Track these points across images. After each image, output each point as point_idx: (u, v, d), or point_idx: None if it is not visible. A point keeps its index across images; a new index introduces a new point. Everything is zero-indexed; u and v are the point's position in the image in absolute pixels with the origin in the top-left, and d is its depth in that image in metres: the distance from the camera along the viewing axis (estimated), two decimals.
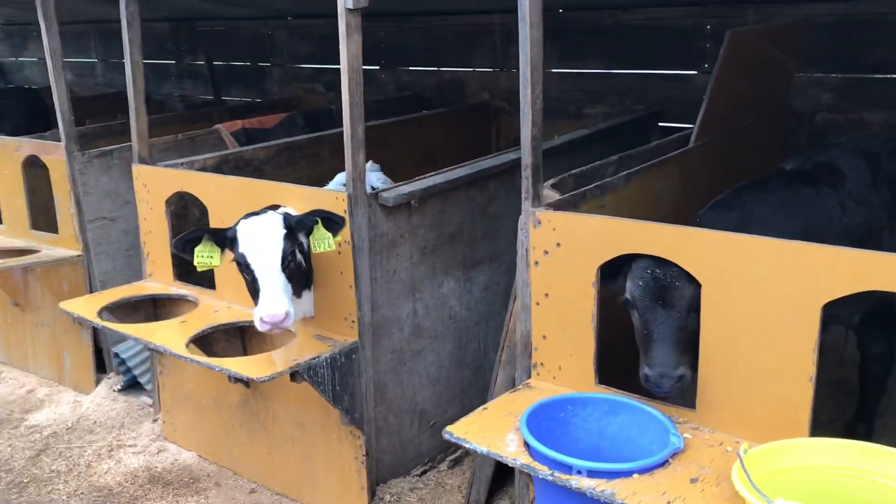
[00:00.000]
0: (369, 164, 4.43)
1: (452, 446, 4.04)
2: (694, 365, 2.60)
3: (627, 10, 5.88)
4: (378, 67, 7.30)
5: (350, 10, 3.10)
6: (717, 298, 2.52)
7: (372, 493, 3.75)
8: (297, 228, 3.25)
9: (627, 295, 2.69)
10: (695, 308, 2.57)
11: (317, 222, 3.22)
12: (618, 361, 2.88)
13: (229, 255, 3.31)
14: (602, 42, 6.05)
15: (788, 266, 2.35)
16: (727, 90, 3.85)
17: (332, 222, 3.23)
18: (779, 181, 3.15)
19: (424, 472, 4.02)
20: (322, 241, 3.21)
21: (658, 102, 5.76)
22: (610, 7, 5.95)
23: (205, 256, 3.32)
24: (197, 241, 3.30)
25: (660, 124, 5.59)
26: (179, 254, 3.38)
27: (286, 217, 3.27)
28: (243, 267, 3.23)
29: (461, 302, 4.07)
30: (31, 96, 7.67)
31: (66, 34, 9.93)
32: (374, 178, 4.34)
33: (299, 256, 3.28)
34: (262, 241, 3.17)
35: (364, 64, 7.65)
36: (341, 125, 5.56)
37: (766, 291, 2.41)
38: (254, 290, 3.21)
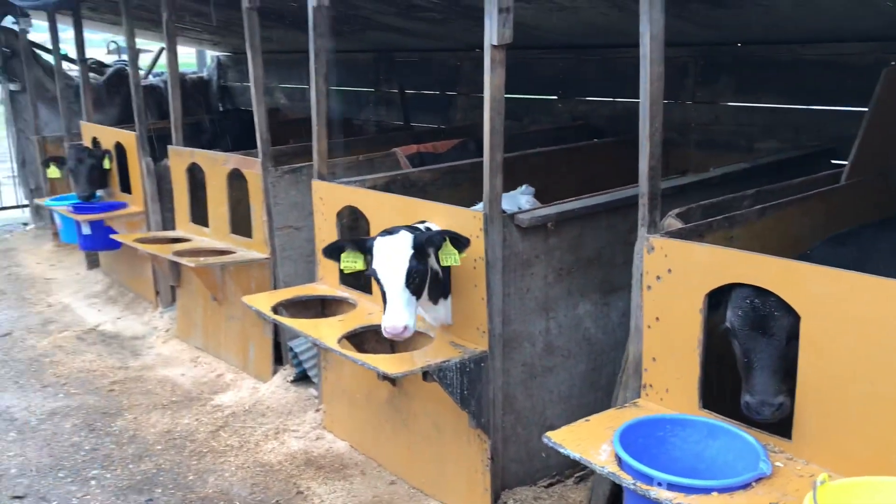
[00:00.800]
0: (524, 187, 4.72)
1: (581, 464, 4.19)
2: (794, 393, 2.65)
3: (806, 45, 5.77)
4: (556, 97, 7.57)
5: (495, 46, 3.39)
6: (817, 332, 2.55)
7: (496, 497, 3.98)
8: (426, 246, 3.57)
9: (728, 324, 2.77)
10: (795, 336, 2.62)
11: (445, 240, 3.55)
12: (725, 387, 2.95)
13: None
14: (778, 76, 5.96)
15: (888, 304, 2.36)
16: (883, 128, 3.77)
17: (458, 241, 3.55)
18: None
19: (551, 485, 4.20)
20: (449, 257, 3.55)
21: (832, 139, 5.60)
22: (788, 42, 5.87)
23: (350, 261, 3.74)
24: (342, 250, 3.74)
25: (832, 161, 5.44)
26: (328, 258, 3.84)
27: (416, 237, 3.57)
28: (375, 279, 3.61)
29: (597, 325, 4.23)
30: (247, 117, 8.62)
31: (282, 62, 11.07)
32: (524, 200, 4.61)
33: (435, 266, 3.63)
34: (391, 260, 3.51)
35: (543, 94, 7.99)
36: (509, 151, 5.91)
37: (866, 328, 2.43)
38: (383, 300, 3.57)
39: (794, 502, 2.41)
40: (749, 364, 2.72)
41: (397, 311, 3.45)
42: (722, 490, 2.47)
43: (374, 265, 3.56)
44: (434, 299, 3.72)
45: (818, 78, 5.72)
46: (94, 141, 7.84)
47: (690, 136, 6.52)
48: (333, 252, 3.75)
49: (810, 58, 5.76)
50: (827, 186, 3.83)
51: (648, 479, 2.52)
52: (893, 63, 5.31)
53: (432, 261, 3.66)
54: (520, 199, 4.62)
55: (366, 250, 3.67)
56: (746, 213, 3.43)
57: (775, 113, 6.04)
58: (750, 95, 6.16)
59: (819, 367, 2.57)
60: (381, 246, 3.56)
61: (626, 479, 2.56)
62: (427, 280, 3.61)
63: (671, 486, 2.48)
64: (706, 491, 2.47)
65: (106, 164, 7.38)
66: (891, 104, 3.68)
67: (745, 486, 2.50)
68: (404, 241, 3.54)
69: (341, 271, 4.62)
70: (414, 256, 3.51)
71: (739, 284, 2.74)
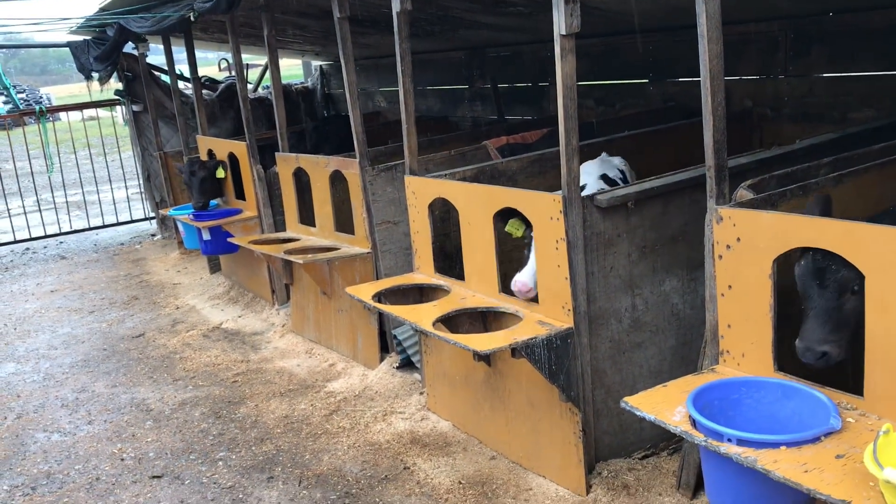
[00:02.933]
0: (603, 155, 4.91)
1: (674, 435, 4.30)
2: (846, 344, 2.74)
3: None
4: (647, 80, 7.61)
5: (563, 35, 3.56)
6: (881, 290, 2.62)
7: (590, 468, 4.15)
8: None
9: (795, 276, 2.88)
10: (851, 291, 2.72)
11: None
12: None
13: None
14: (873, 44, 5.84)
15: None
16: None
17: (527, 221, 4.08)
18: None
19: (645, 457, 4.34)
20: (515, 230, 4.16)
21: None
22: (882, 7, 5.74)
23: (514, 228, 4.29)
24: (512, 215, 4.25)
25: None
26: (499, 220, 4.33)
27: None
28: (528, 245, 4.19)
29: (685, 300, 4.33)
30: (348, 122, 9.03)
31: (382, 66, 11.46)
32: (617, 160, 4.81)
33: None
34: None
35: (632, 78, 8.03)
36: (598, 136, 6.03)
37: None
38: (521, 265, 4.21)
39: (861, 454, 2.49)
40: (804, 311, 2.84)
41: (529, 272, 4.15)
42: (790, 444, 2.57)
43: (532, 234, 4.11)
44: None
45: None
46: (210, 153, 8.41)
47: (784, 110, 6.45)
48: (505, 215, 4.27)
49: None
50: None
51: (719, 436, 2.65)
52: None
53: None
54: (612, 161, 4.83)
55: (528, 224, 4.17)
56: (822, 180, 3.47)
57: (871, 81, 5.92)
58: (843, 65, 6.05)
59: (885, 325, 2.63)
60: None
61: (699, 437, 2.70)
62: None
63: (741, 442, 2.61)
64: (774, 445, 2.58)
65: (220, 173, 7.92)
66: None
67: (814, 440, 2.59)
68: None
69: (436, 260, 4.95)
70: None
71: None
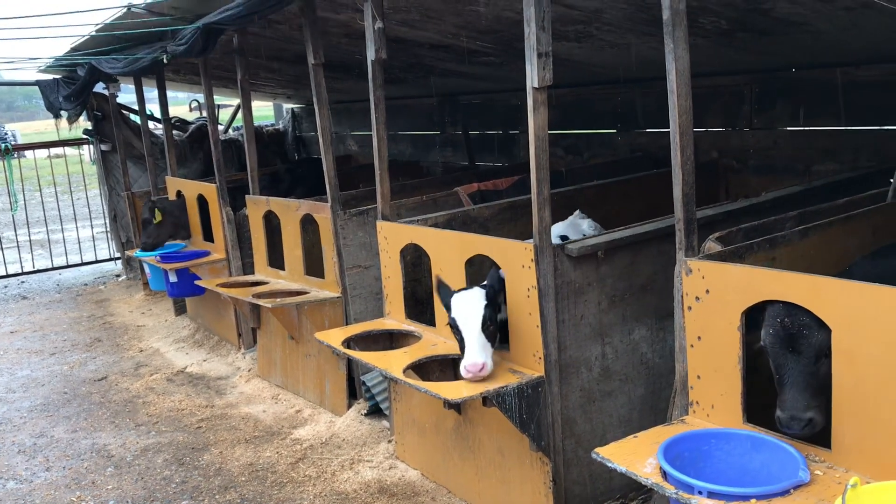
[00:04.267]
0: (577, 212, 4.91)
1: (644, 485, 4.29)
2: (826, 408, 2.74)
3: (861, 66, 5.81)
4: (615, 130, 7.74)
5: (536, 88, 3.61)
6: (848, 344, 2.66)
7: None
8: (497, 296, 3.96)
9: (762, 342, 2.90)
10: (825, 354, 2.73)
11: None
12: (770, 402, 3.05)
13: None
14: (835, 99, 6.00)
15: None
16: None
17: None
18: None
19: None
20: None
21: (893, 159, 5.60)
22: (842, 64, 5.92)
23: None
24: (441, 287, 4.17)
25: (891, 181, 5.43)
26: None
27: (488, 291, 3.93)
28: (454, 329, 3.93)
29: (654, 350, 4.35)
30: (320, 165, 9.05)
31: (354, 111, 11.53)
32: (586, 224, 4.80)
33: (497, 319, 3.96)
34: (467, 311, 3.87)
35: (601, 127, 8.15)
36: (570, 185, 6.09)
37: (892, 336, 2.52)
38: (461, 347, 3.90)
39: None
40: (780, 380, 2.84)
41: (475, 353, 3.81)
42: (760, 497, 2.58)
43: (454, 315, 3.91)
44: (500, 341, 4.07)
45: (876, 98, 5.75)
46: (178, 194, 8.36)
47: (749, 162, 6.59)
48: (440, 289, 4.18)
49: (866, 79, 5.79)
50: (872, 205, 3.90)
51: (690, 489, 2.65)
52: None
53: (503, 312, 4.06)
54: (581, 225, 4.82)
55: (447, 303, 4.03)
56: (788, 234, 3.53)
57: (833, 136, 6.08)
58: (807, 119, 6.21)
59: (852, 378, 2.66)
60: (459, 300, 3.94)
61: (670, 489, 2.69)
62: (497, 327, 3.96)
63: (711, 494, 2.60)
64: (745, 498, 2.58)
65: (156, 217, 7.88)
66: None
67: (784, 492, 2.60)
68: (478, 295, 3.92)
69: (407, 307, 4.93)
70: (487, 306, 3.86)
71: (772, 304, 2.86)
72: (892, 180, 5.44)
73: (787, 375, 2.79)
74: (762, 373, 3.09)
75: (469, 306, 3.88)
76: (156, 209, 7.88)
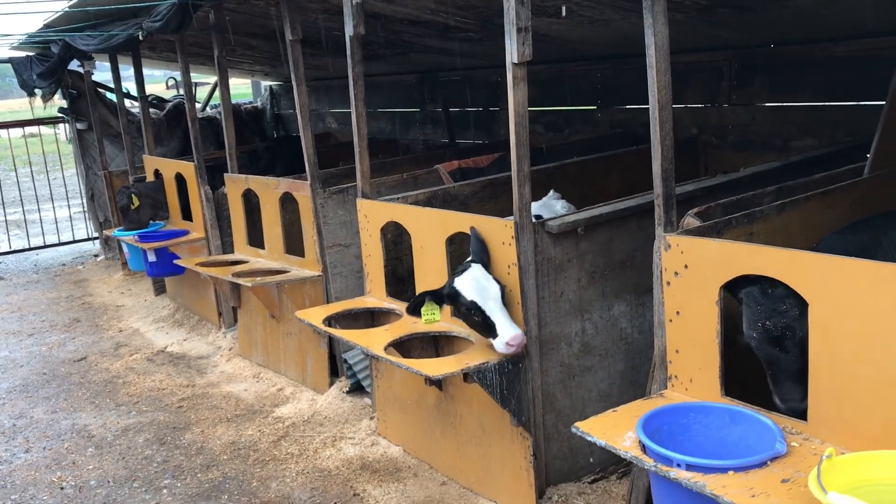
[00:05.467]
0: (551, 192, 4.92)
1: (623, 459, 4.34)
2: None
3: (839, 42, 5.84)
4: (595, 107, 7.74)
5: (516, 63, 3.60)
6: (824, 318, 2.69)
7: (541, 493, 4.16)
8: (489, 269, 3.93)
9: (747, 340, 2.93)
10: None
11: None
12: (748, 374, 3.09)
13: (447, 308, 4.01)
14: (813, 75, 6.03)
15: (886, 286, 2.49)
16: None
17: None
18: None
19: (595, 481, 4.36)
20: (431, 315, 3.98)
21: (869, 134, 5.63)
22: (821, 40, 5.94)
23: (429, 314, 4.00)
24: (421, 304, 3.98)
25: (868, 156, 5.47)
26: (412, 315, 4.03)
27: (484, 264, 3.89)
28: (474, 311, 3.79)
29: (633, 325, 4.38)
30: (298, 143, 8.99)
31: (333, 88, 11.44)
32: (559, 205, 4.80)
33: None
34: (483, 288, 3.79)
35: (581, 104, 8.14)
36: (549, 162, 6.09)
37: (867, 310, 2.56)
38: (485, 326, 3.81)
39: (806, 478, 2.53)
40: (773, 375, 2.90)
41: (509, 324, 3.75)
42: (738, 469, 2.61)
43: (471, 298, 3.77)
44: None
45: (853, 74, 5.77)
46: (156, 173, 8.28)
47: (728, 138, 6.62)
48: (416, 309, 3.97)
49: (844, 54, 5.82)
50: (850, 180, 3.93)
51: (668, 461, 2.68)
52: None
53: None
54: (555, 206, 4.82)
55: (443, 298, 3.92)
56: (766, 209, 3.55)
57: (811, 111, 6.11)
58: (785, 95, 6.24)
59: (828, 351, 2.70)
60: (466, 281, 3.81)
61: (648, 462, 2.72)
62: None
63: (690, 467, 2.64)
64: (723, 470, 2.61)
65: (133, 202, 7.81)
66: None
67: (761, 464, 2.64)
68: (480, 269, 3.85)
69: (388, 285, 4.93)
70: (494, 279, 3.83)
71: (751, 294, 2.89)
72: (867, 155, 5.52)
73: (780, 370, 2.87)
74: (740, 346, 3.12)
75: (480, 283, 3.79)
76: (132, 195, 7.81)
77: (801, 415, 2.88)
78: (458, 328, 4.30)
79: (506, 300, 3.84)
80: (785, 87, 6.22)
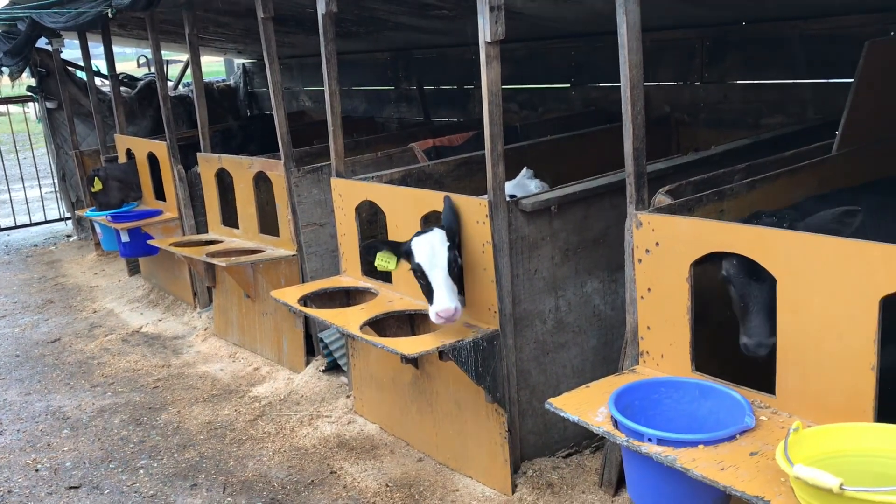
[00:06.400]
0: (524, 170, 4.94)
1: (596, 434, 4.40)
2: None
3: (809, 20, 5.88)
4: (568, 85, 7.75)
5: (489, 42, 3.60)
6: (791, 292, 2.74)
7: (516, 468, 4.21)
8: (456, 237, 3.91)
9: (724, 272, 2.98)
10: None
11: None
12: (717, 350, 3.15)
13: (404, 264, 4.02)
14: (784, 52, 6.08)
15: (849, 262, 2.55)
16: (869, 100, 3.91)
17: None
18: (884, 186, 3.24)
19: (569, 455, 4.42)
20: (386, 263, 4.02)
21: (839, 112, 5.69)
22: (792, 18, 5.98)
23: (383, 261, 4.06)
24: (378, 249, 4.04)
25: (836, 133, 5.54)
26: (366, 256, 4.13)
27: (448, 230, 3.89)
28: (419, 274, 3.87)
29: (606, 301, 4.43)
30: (272, 121, 8.93)
31: (307, 66, 11.35)
32: (533, 185, 4.83)
33: (460, 261, 3.90)
34: (432, 254, 3.81)
35: (554, 82, 8.13)
36: (523, 140, 6.11)
37: (832, 286, 2.61)
38: (428, 292, 3.85)
39: (773, 451, 2.59)
40: (745, 308, 2.94)
41: (445, 296, 3.75)
42: (708, 442, 2.67)
43: (418, 260, 3.83)
44: (460, 290, 4.02)
45: (823, 51, 5.82)
46: (128, 152, 8.20)
47: (700, 116, 6.66)
48: (370, 251, 4.05)
49: (815, 32, 5.85)
50: (818, 158, 3.98)
51: (640, 436, 2.73)
52: (892, 34, 5.44)
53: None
54: (529, 185, 4.84)
55: (400, 253, 3.97)
56: (736, 186, 3.60)
57: (782, 89, 6.15)
58: (757, 73, 6.27)
59: (796, 326, 2.75)
60: (420, 243, 3.86)
61: (620, 437, 2.77)
62: (461, 270, 3.94)
63: (661, 441, 2.69)
64: (693, 444, 2.67)
65: (95, 185, 7.74)
66: (874, 76, 3.82)
67: (730, 438, 2.69)
68: (440, 235, 3.86)
69: (363, 264, 4.93)
70: (450, 248, 3.83)
71: None
72: (836, 132, 5.58)
73: (752, 303, 2.90)
74: (711, 322, 3.18)
75: (433, 249, 3.82)
76: (94, 177, 7.74)
77: (766, 353, 2.92)
78: None
79: (458, 273, 3.87)
80: (756, 65, 6.26)
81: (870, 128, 4.05)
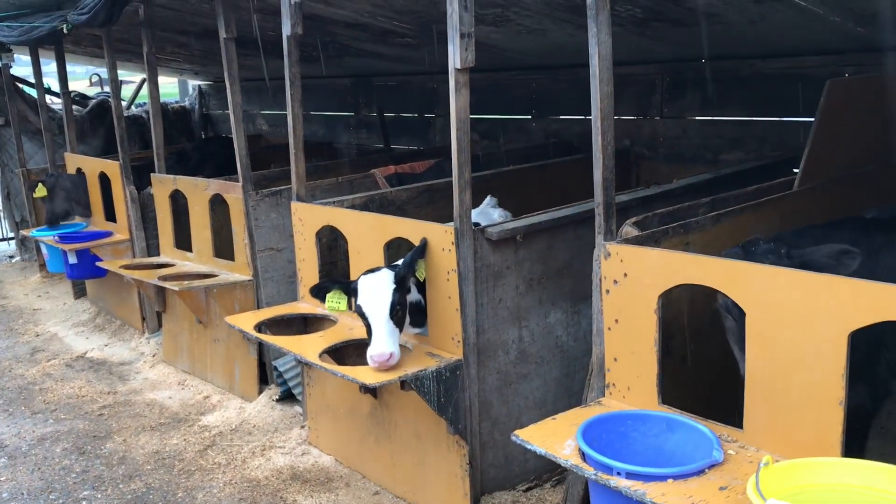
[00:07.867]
0: (488, 198, 4.91)
1: (558, 467, 4.34)
2: None
3: (767, 59, 6.00)
4: (530, 116, 7.78)
5: (458, 69, 3.57)
6: (760, 326, 2.73)
7: (475, 502, 4.12)
8: (406, 278, 3.86)
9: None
10: None
11: (419, 258, 3.90)
12: (684, 383, 3.12)
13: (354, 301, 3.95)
14: (742, 90, 6.18)
15: (818, 297, 2.55)
16: (830, 138, 3.97)
17: (423, 250, 3.90)
18: (853, 224, 3.28)
19: (529, 489, 4.35)
20: (422, 270, 3.87)
21: (796, 149, 5.79)
22: (750, 57, 6.10)
23: (334, 302, 4.00)
24: (328, 290, 3.98)
25: (795, 170, 5.64)
26: (314, 298, 4.05)
27: (396, 272, 3.84)
28: (361, 315, 3.82)
29: (568, 332, 4.40)
30: (229, 144, 8.78)
31: (263, 89, 11.24)
32: (497, 213, 4.80)
33: (417, 296, 3.92)
34: (374, 296, 3.76)
35: (517, 114, 8.17)
36: (486, 170, 6.08)
37: (801, 320, 2.61)
38: (368, 333, 3.80)
39: (743, 485, 2.57)
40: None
41: (382, 340, 3.70)
42: (677, 477, 2.63)
43: (359, 302, 3.78)
44: (419, 325, 4.00)
45: (780, 90, 5.94)
46: (78, 171, 7.98)
47: (659, 150, 6.74)
48: (319, 292, 3.98)
49: (772, 71, 5.99)
50: (780, 193, 4.03)
51: (608, 469, 2.68)
52: (846, 75, 5.57)
53: (413, 293, 3.97)
54: (492, 214, 4.81)
55: (350, 291, 3.90)
56: (701, 219, 3.61)
57: (740, 126, 6.26)
58: (715, 109, 6.38)
59: (763, 359, 2.74)
60: (364, 284, 3.80)
61: (589, 471, 2.71)
62: (407, 311, 3.88)
63: (630, 475, 2.64)
64: (662, 478, 2.62)
65: (38, 192, 7.56)
66: (835, 114, 3.88)
67: (699, 472, 2.66)
68: (386, 277, 3.80)
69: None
70: (396, 290, 3.76)
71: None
72: (794, 170, 5.68)
73: None
74: (676, 355, 3.16)
75: (376, 291, 3.76)
76: (40, 183, 7.54)
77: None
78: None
79: (402, 316, 3.82)
80: (715, 102, 6.36)
81: (830, 164, 4.12)
